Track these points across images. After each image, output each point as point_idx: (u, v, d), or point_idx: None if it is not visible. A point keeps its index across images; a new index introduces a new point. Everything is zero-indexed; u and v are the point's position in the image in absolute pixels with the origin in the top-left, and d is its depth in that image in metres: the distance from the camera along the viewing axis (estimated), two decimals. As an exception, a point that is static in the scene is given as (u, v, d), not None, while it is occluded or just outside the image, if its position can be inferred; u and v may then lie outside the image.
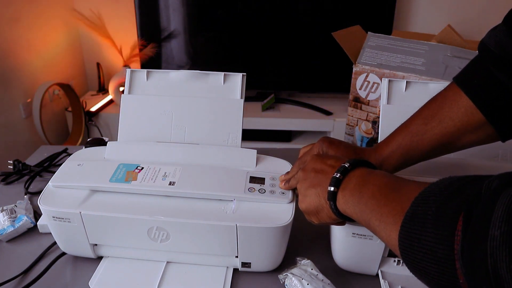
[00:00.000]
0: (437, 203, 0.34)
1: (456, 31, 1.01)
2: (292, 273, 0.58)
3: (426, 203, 0.35)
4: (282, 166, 0.67)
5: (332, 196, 0.47)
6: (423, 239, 0.33)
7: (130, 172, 0.62)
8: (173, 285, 0.60)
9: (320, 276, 0.57)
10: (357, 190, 0.45)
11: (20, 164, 0.90)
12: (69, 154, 0.92)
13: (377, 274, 0.62)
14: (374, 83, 0.91)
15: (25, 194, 0.83)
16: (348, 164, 0.48)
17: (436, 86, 0.66)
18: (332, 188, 0.47)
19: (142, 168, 0.63)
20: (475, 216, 0.30)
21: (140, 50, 2.20)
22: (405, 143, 0.58)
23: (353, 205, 0.45)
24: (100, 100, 2.29)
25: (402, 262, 0.61)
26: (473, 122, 0.53)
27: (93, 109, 2.19)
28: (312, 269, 0.58)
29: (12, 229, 0.70)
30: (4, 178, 0.89)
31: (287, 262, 0.62)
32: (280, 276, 0.59)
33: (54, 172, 0.65)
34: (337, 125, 2.17)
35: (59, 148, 0.99)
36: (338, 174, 0.47)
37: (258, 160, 0.67)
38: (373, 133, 0.95)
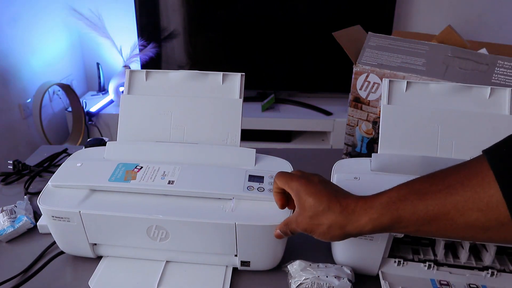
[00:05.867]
0: None
1: (456, 31, 1.01)
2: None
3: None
4: (282, 165, 0.67)
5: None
6: None
7: (129, 171, 0.62)
8: (172, 284, 0.60)
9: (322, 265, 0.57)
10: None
11: (20, 164, 0.90)
12: (69, 154, 0.92)
13: (378, 275, 0.62)
14: (374, 83, 0.91)
15: (25, 194, 0.83)
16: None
17: (437, 87, 0.66)
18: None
19: (141, 167, 0.63)
20: None
21: (140, 50, 2.20)
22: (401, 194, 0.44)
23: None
24: (100, 100, 2.30)
25: (403, 263, 0.61)
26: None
27: (93, 109, 2.19)
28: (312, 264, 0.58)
29: (12, 229, 0.70)
30: (4, 178, 0.89)
31: (286, 261, 0.62)
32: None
33: (54, 172, 0.65)
34: (337, 125, 2.17)
35: (59, 148, 0.99)
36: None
37: (257, 159, 0.67)
38: (373, 133, 0.95)
